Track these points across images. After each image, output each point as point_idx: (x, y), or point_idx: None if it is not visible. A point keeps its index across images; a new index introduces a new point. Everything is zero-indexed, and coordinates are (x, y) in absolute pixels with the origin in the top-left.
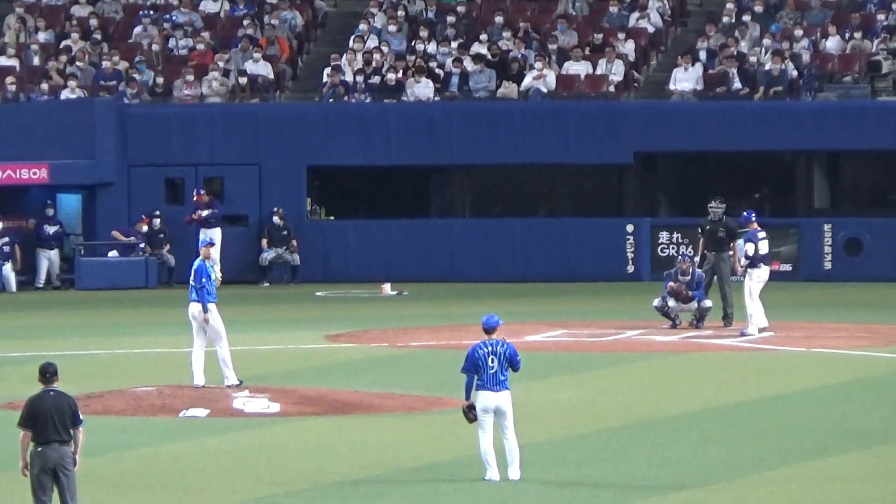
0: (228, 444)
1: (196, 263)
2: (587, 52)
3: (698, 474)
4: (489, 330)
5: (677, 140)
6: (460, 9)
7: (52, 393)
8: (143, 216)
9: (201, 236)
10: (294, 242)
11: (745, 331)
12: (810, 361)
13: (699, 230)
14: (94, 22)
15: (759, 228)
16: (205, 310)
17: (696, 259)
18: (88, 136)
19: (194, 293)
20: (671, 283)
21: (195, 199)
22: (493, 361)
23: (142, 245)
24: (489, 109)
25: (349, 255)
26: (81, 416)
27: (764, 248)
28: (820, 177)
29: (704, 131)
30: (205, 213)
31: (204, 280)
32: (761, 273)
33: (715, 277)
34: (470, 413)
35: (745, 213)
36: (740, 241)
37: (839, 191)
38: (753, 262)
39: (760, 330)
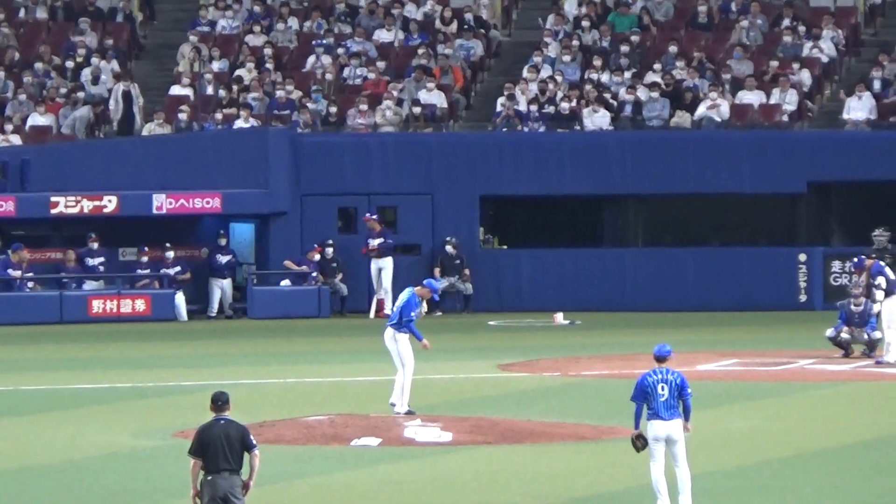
0: (400, 473)
1: (407, 295)
2: (761, 81)
3: None
4: (660, 359)
5: (850, 169)
6: (634, 38)
7: (222, 422)
8: (315, 245)
9: (373, 265)
10: (467, 271)
11: (882, 359)
12: None
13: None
14: (268, 51)
15: (878, 262)
16: (418, 338)
17: (862, 288)
18: (261, 165)
19: (397, 321)
20: (847, 330)
21: (365, 220)
22: (663, 389)
23: (314, 274)
24: (662, 139)
25: (522, 285)
26: (255, 442)
27: (892, 275)
28: None
29: (878, 161)
30: (376, 241)
31: (412, 314)
32: None
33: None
34: (638, 442)
35: (855, 259)
36: None
37: None
38: (889, 292)
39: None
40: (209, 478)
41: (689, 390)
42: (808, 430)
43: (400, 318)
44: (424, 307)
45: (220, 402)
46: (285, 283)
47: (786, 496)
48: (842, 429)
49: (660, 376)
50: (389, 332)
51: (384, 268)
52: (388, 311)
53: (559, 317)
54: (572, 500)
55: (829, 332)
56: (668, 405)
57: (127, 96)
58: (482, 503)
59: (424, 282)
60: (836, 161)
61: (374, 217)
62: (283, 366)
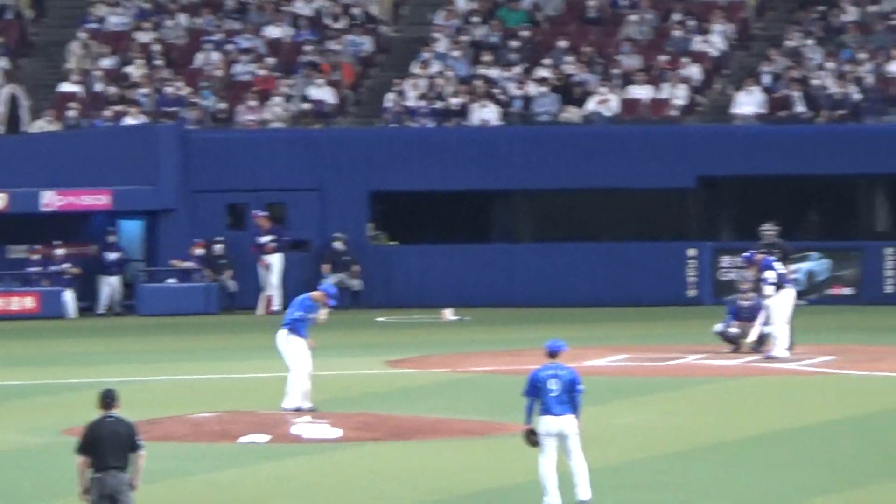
0: (288, 470)
1: (302, 297)
2: (651, 75)
3: (760, 499)
4: (553, 354)
5: (740, 164)
6: (524, 33)
7: (111, 419)
8: (197, 240)
9: (262, 262)
10: (356, 268)
11: (771, 354)
12: (871, 385)
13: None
14: (157, 48)
15: (768, 256)
16: (301, 336)
17: (751, 283)
18: (151, 161)
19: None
20: (736, 325)
21: (254, 217)
22: (555, 384)
23: (199, 269)
24: (552, 134)
25: (411, 280)
26: (142, 442)
27: (782, 268)
28: (883, 200)
29: (767, 155)
30: (266, 238)
31: (300, 313)
32: (788, 294)
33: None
34: (531, 437)
35: (743, 255)
36: (799, 265)
37: None
38: (778, 286)
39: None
40: (97, 475)
41: (581, 386)
42: (698, 425)
43: (292, 320)
44: (322, 313)
45: (108, 399)
46: (171, 281)
47: (675, 491)
48: (731, 424)
49: (552, 371)
50: (283, 332)
51: (273, 264)
52: (276, 307)
53: (448, 313)
54: (461, 496)
55: (719, 327)
56: (559, 400)
57: (13, 100)
58: (371, 499)
59: (321, 286)
60: (725, 156)
61: (264, 214)
62: (172, 363)
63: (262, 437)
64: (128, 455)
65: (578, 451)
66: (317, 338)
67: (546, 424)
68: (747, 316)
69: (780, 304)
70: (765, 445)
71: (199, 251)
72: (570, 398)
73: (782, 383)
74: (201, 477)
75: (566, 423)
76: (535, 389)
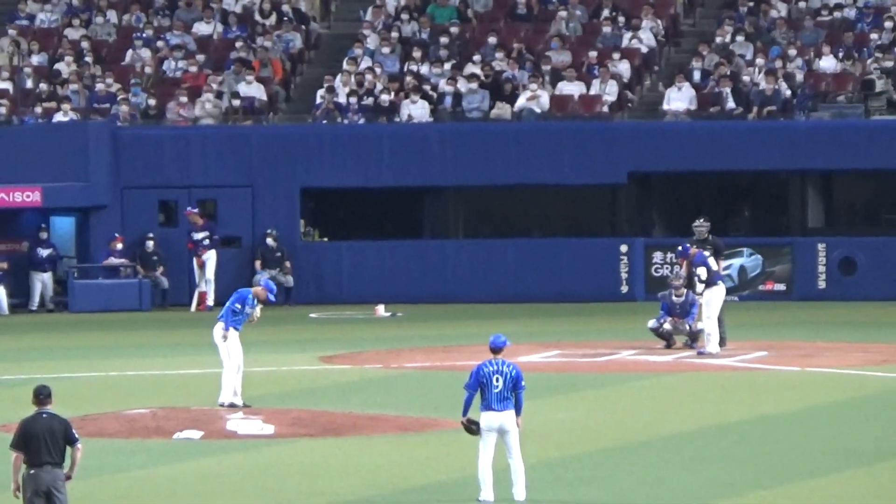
0: (222, 466)
1: (240, 292)
2: (581, 72)
3: (692, 494)
4: (496, 350)
5: (671, 160)
6: (453, 30)
7: (45, 415)
8: (117, 235)
9: (195, 259)
10: (287, 264)
11: (704, 350)
12: (804, 381)
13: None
14: (87, 45)
15: (701, 252)
16: (235, 328)
17: (683, 279)
18: (82, 158)
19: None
20: (674, 319)
21: (187, 214)
22: (498, 381)
23: (120, 261)
24: (482, 130)
25: (343, 277)
26: (77, 435)
27: (714, 265)
28: (814, 196)
29: (698, 151)
30: (200, 235)
31: (238, 306)
32: (720, 291)
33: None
34: (470, 425)
35: (679, 248)
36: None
37: (833, 210)
38: (710, 282)
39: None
40: (32, 471)
41: (524, 383)
42: (631, 420)
43: (226, 313)
44: (258, 312)
45: (42, 395)
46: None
47: (609, 487)
48: (664, 420)
49: (496, 367)
50: (219, 327)
51: (207, 260)
52: (210, 303)
53: (380, 309)
54: (395, 492)
55: (651, 322)
56: (501, 397)
57: None
58: (306, 496)
59: (262, 282)
60: (656, 152)
61: (196, 211)
62: (105, 359)
63: (196, 434)
64: (63, 450)
65: (517, 449)
66: (249, 334)
67: (487, 420)
68: (679, 312)
69: (711, 301)
70: (698, 441)
71: (119, 245)
72: (512, 395)
73: (715, 379)
74: (135, 473)
75: (507, 418)
76: (477, 384)
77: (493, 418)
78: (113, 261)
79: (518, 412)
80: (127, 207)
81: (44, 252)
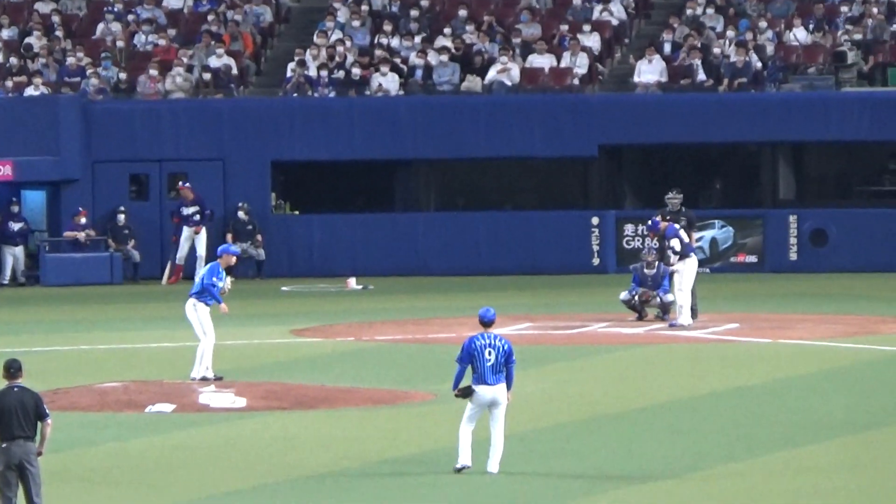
0: (194, 439)
1: (210, 265)
2: (551, 45)
3: (665, 466)
4: (486, 323)
5: (642, 132)
6: (424, 3)
7: (16, 389)
8: (81, 209)
9: (185, 231)
10: (259, 237)
11: (676, 322)
12: (776, 353)
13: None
14: (57, 19)
15: (672, 224)
16: (218, 301)
17: (655, 253)
18: (52, 132)
19: (198, 291)
20: (641, 291)
21: (179, 189)
22: (490, 354)
23: (81, 234)
24: (453, 103)
25: (314, 250)
26: (48, 411)
27: (686, 237)
28: (785, 168)
29: (669, 123)
30: (189, 210)
31: (214, 279)
32: (692, 263)
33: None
34: (466, 391)
35: (649, 222)
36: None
37: (804, 182)
38: (682, 255)
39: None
40: (3, 445)
41: (514, 358)
42: (603, 393)
43: (201, 288)
44: (229, 282)
45: (12, 369)
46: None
47: (582, 459)
48: (636, 392)
49: (487, 341)
50: (190, 302)
51: (199, 234)
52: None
53: (352, 282)
54: (369, 464)
55: (623, 294)
56: (494, 370)
57: None
58: (278, 468)
59: (220, 249)
60: (627, 124)
61: (188, 186)
62: (77, 333)
63: (168, 407)
64: (34, 424)
65: (502, 421)
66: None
67: (479, 393)
68: (651, 285)
69: (683, 273)
70: (670, 413)
71: (83, 220)
72: (504, 369)
73: (687, 351)
74: (108, 446)
75: (499, 391)
76: (469, 357)
77: (486, 392)
78: (74, 233)
79: (509, 386)
80: (98, 181)
81: (15, 226)
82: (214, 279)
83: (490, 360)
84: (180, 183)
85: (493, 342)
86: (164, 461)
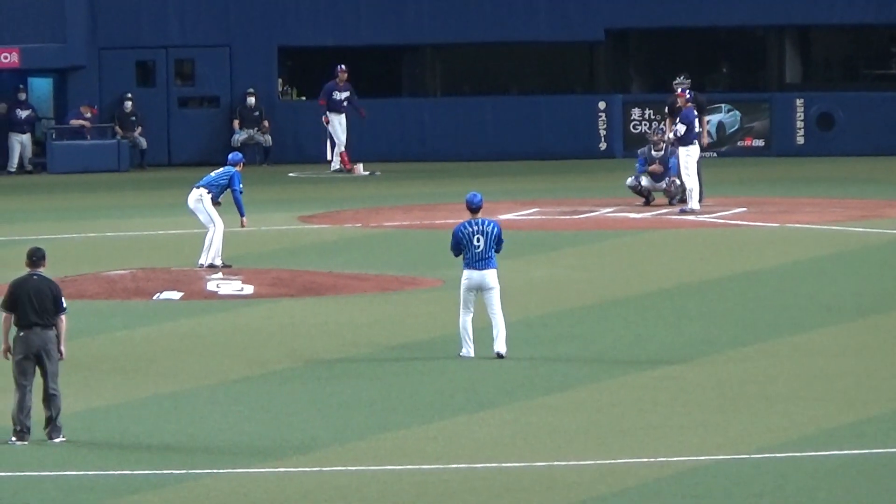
0: (202, 326)
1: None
2: None
3: (672, 351)
4: (474, 209)
5: (648, 16)
6: None
7: (35, 277)
8: (90, 104)
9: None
10: (266, 123)
11: (686, 207)
12: (784, 237)
13: (666, 108)
14: None
15: (689, 108)
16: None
17: (661, 133)
18: (59, 19)
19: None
20: (653, 167)
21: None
22: (479, 241)
23: (81, 122)
24: None
25: (321, 136)
26: (66, 305)
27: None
28: (791, 51)
29: (676, 7)
30: (341, 95)
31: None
32: (694, 149)
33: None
34: None
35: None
36: (710, 116)
37: (811, 65)
38: (687, 141)
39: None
40: (21, 333)
41: (503, 238)
42: (610, 278)
43: (215, 183)
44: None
45: (35, 257)
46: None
47: (590, 343)
48: (643, 277)
49: (476, 227)
50: (195, 193)
51: (342, 120)
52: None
53: (359, 167)
54: (376, 350)
55: (629, 181)
56: (482, 255)
57: None
58: (285, 354)
59: (237, 157)
60: (633, 7)
61: (343, 67)
62: (84, 220)
63: (176, 294)
64: (51, 314)
65: (499, 305)
66: (228, 193)
67: (469, 278)
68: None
69: (688, 158)
70: (678, 298)
71: (89, 114)
72: (494, 253)
73: (694, 236)
74: (116, 334)
75: (489, 276)
76: (459, 245)
77: (475, 276)
78: (78, 121)
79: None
80: (104, 68)
81: (22, 113)
82: (227, 183)
83: (479, 246)
84: (340, 66)
85: (482, 228)
86: (172, 349)
